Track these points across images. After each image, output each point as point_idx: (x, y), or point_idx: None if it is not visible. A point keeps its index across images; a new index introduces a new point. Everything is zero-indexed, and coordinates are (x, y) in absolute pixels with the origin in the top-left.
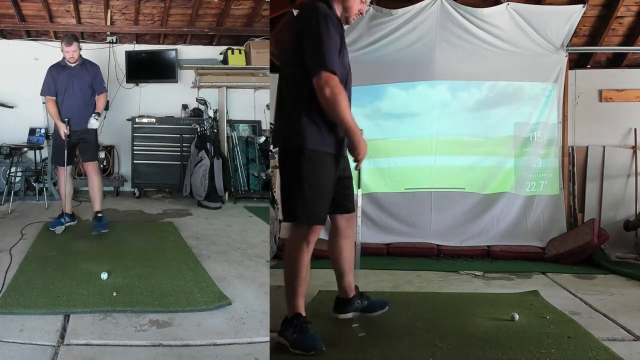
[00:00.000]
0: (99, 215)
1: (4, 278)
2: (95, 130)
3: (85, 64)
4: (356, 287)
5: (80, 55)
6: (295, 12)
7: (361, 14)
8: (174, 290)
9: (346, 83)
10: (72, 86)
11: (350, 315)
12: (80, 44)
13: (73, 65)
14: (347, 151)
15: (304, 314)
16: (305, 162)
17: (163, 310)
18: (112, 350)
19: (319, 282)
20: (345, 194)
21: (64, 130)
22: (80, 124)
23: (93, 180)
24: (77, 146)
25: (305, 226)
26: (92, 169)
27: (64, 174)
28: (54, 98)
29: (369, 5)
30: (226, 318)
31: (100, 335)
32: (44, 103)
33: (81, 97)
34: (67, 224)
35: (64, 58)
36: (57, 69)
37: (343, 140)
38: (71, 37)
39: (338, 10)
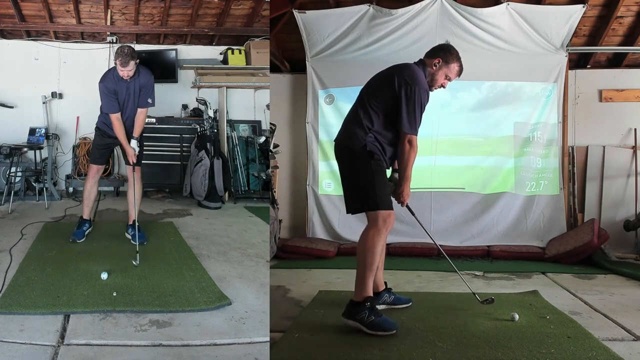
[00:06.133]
0: (137, 224)
1: (4, 278)
2: (142, 135)
3: (142, 74)
4: (385, 283)
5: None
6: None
7: (442, 87)
8: (174, 290)
9: None
10: (129, 100)
11: (379, 307)
12: (137, 60)
13: (129, 80)
14: (392, 193)
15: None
16: (374, 162)
17: (163, 310)
18: (112, 350)
19: (319, 282)
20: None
21: (132, 157)
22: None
23: (136, 187)
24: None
25: (383, 213)
26: (138, 173)
27: (96, 175)
28: (119, 115)
29: (369, 5)
30: (226, 318)
31: (100, 335)
32: (44, 103)
33: (134, 110)
34: (87, 232)
35: (115, 69)
36: (114, 82)
37: (388, 158)
38: (127, 55)
39: (427, 78)
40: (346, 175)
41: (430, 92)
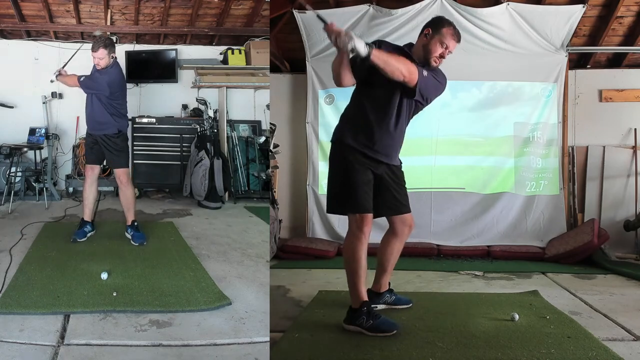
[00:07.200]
0: (136, 224)
1: (4, 278)
2: (121, 135)
3: (110, 69)
4: (389, 283)
5: (111, 61)
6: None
7: (442, 57)
8: (174, 290)
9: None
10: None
11: (379, 307)
12: (113, 53)
13: (100, 69)
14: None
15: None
16: (349, 161)
17: (163, 310)
18: (112, 350)
19: (319, 282)
20: (395, 197)
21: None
22: (98, 129)
23: (123, 190)
24: (105, 153)
25: (356, 217)
26: (122, 177)
27: (91, 175)
28: (82, 77)
29: (369, 5)
30: (226, 318)
31: (100, 335)
32: (44, 103)
33: (98, 103)
34: (89, 234)
35: None
36: (95, 68)
37: (376, 146)
38: (100, 42)
39: (417, 53)
40: (328, 173)
41: (434, 66)
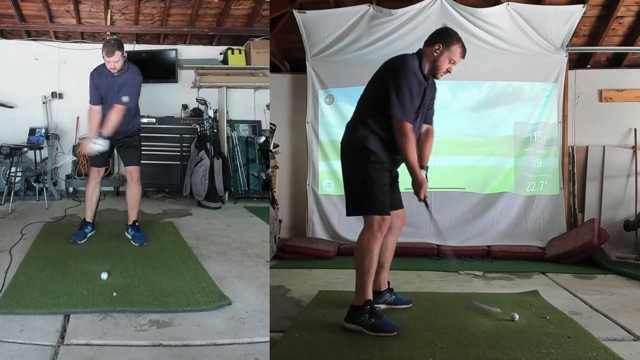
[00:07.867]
0: (137, 224)
1: (4, 278)
2: (138, 133)
3: (129, 71)
4: (388, 282)
5: (124, 63)
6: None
7: (448, 72)
8: (174, 290)
9: (419, 118)
10: (110, 95)
11: (380, 306)
12: (124, 52)
13: (116, 73)
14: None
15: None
16: (371, 165)
17: (163, 310)
18: (112, 350)
19: (319, 282)
20: (394, 194)
21: (84, 149)
22: (115, 133)
23: (132, 187)
24: (117, 149)
25: (377, 218)
26: (134, 174)
27: (96, 177)
28: (99, 107)
29: (369, 5)
30: (226, 318)
31: (100, 335)
32: (44, 103)
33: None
34: (89, 234)
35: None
36: (99, 76)
37: (393, 154)
38: (113, 45)
39: (427, 66)
40: (345, 177)
41: (437, 80)
